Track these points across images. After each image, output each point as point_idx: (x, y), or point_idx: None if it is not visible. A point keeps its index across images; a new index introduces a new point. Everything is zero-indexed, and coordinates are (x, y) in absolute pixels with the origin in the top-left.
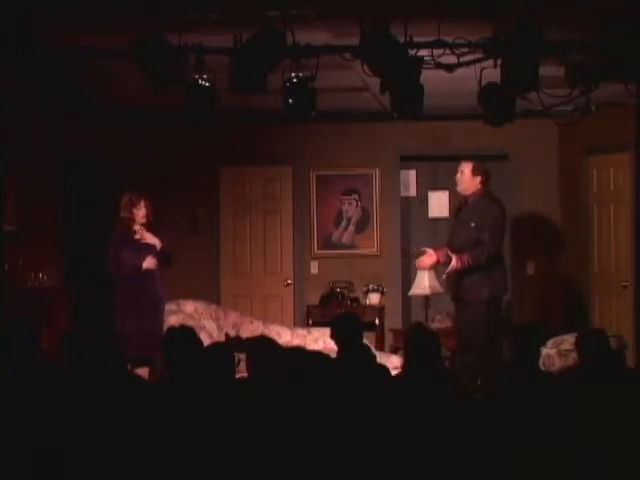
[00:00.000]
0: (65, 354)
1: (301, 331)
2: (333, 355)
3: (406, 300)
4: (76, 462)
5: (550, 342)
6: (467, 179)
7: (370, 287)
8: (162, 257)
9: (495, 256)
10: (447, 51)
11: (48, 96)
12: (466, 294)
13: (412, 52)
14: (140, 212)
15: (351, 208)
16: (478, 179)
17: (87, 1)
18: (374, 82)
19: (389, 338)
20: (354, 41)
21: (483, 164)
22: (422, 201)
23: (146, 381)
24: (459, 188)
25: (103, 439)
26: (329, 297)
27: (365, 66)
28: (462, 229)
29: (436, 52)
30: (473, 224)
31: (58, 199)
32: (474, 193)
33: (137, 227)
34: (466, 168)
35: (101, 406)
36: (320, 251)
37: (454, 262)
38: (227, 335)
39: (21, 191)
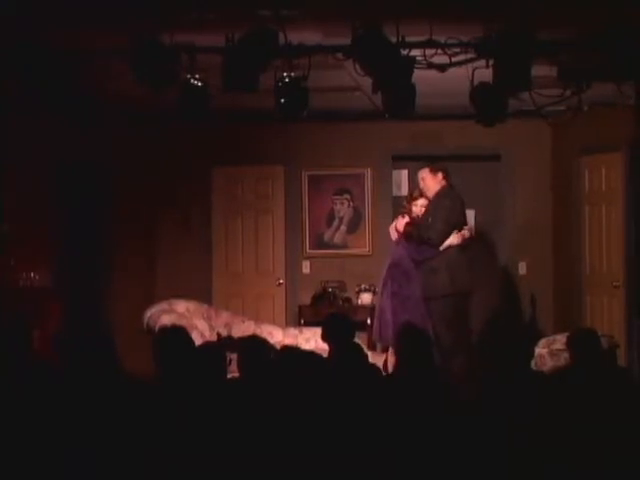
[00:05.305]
0: (57, 354)
1: (293, 331)
2: (325, 355)
3: None
4: (68, 462)
5: (542, 342)
6: (429, 182)
7: (362, 287)
8: None
9: (433, 242)
10: (439, 51)
11: (48, 96)
12: (430, 290)
13: (404, 52)
14: (416, 208)
15: (343, 208)
16: (439, 176)
17: (87, 1)
18: (366, 82)
19: None
20: (346, 41)
21: (439, 163)
22: None
23: (137, 380)
24: (428, 194)
25: (95, 439)
26: (321, 297)
27: (357, 66)
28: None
29: (428, 52)
30: (430, 219)
31: (52, 199)
32: (437, 192)
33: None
34: (424, 174)
35: (93, 406)
36: (312, 251)
37: (401, 219)
38: (219, 335)
39: (16, 191)
